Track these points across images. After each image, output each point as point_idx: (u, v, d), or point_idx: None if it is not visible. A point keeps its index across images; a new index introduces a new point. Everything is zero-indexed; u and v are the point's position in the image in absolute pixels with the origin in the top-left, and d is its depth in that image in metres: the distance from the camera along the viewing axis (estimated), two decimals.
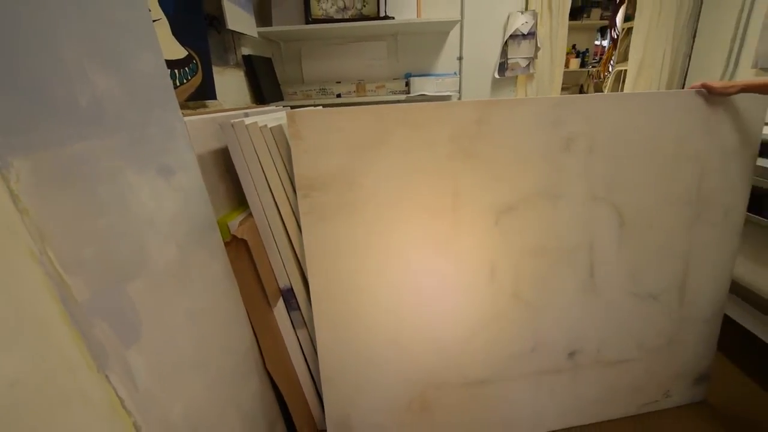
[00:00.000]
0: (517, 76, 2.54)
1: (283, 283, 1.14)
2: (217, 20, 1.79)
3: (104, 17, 0.66)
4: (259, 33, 2.13)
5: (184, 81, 1.41)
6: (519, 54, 2.44)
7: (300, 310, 1.16)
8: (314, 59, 2.51)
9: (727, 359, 1.63)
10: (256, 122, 0.96)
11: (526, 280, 1.12)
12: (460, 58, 2.49)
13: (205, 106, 1.61)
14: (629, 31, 2.62)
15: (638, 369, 1.29)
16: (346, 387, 1.12)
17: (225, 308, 0.95)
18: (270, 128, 0.96)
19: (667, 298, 1.22)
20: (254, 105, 2.09)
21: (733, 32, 2.09)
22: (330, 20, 2.16)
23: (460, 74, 2.51)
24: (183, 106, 1.43)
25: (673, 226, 1.14)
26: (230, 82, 1.93)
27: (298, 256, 1.10)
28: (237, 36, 1.96)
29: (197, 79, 1.49)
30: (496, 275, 1.09)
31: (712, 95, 1.04)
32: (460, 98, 2.56)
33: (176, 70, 1.36)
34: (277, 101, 2.30)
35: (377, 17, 2.14)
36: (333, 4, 2.16)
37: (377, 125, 0.92)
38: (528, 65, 2.48)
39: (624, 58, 2.67)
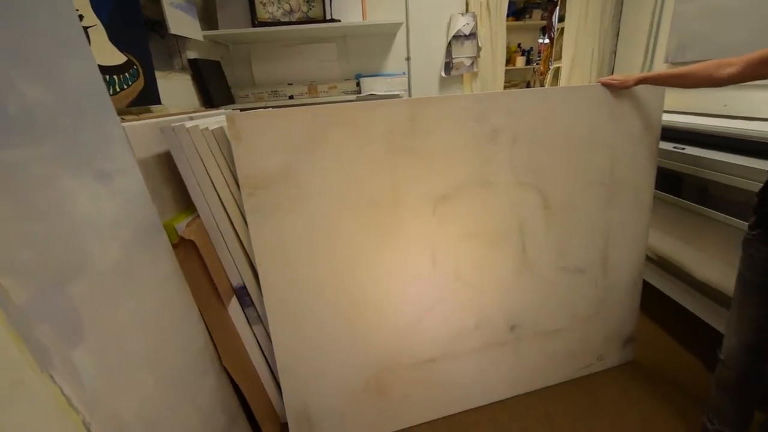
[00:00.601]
0: (462, 75, 2.67)
1: (235, 282, 1.17)
2: (159, 25, 1.77)
3: (28, 27, 0.67)
4: (205, 36, 2.12)
5: (125, 87, 1.39)
6: (463, 54, 2.57)
7: (254, 306, 1.19)
8: (264, 61, 2.52)
9: (652, 321, 1.82)
10: (197, 125, 0.99)
11: (465, 263, 1.21)
12: (407, 59, 2.59)
13: (149, 111, 1.60)
14: (562, 31, 2.82)
15: (573, 336, 1.43)
16: (302, 376, 1.17)
17: (176, 308, 0.97)
18: (211, 131, 0.99)
19: (592, 270, 1.37)
20: (203, 109, 2.08)
21: (648, 31, 2.32)
22: (277, 23, 2.19)
23: (408, 74, 2.61)
24: (125, 112, 1.43)
25: (592, 205, 1.28)
26: (176, 87, 1.91)
27: (249, 254, 1.14)
28: (181, 40, 1.94)
29: (139, 84, 1.47)
30: (437, 260, 1.18)
31: (614, 88, 1.18)
32: (410, 97, 2.66)
33: (115, 76, 1.35)
34: (228, 105, 2.29)
35: (323, 20, 2.19)
36: (279, 8, 2.19)
37: (314, 125, 0.98)
38: (472, 64, 2.61)
39: (559, 56, 2.87)
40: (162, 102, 1.66)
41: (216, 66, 2.31)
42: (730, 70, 0.99)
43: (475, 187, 1.15)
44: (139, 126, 1.03)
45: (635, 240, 1.38)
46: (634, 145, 1.26)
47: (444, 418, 1.37)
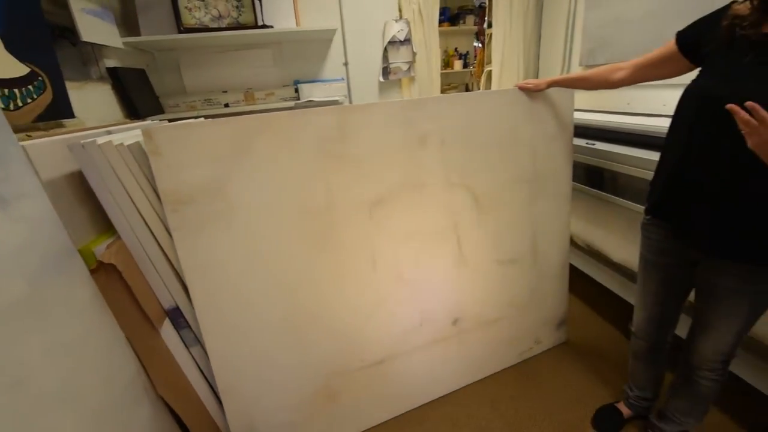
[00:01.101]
0: (400, 79, 2.74)
1: (167, 304, 1.11)
2: (69, 31, 1.63)
3: None
4: (125, 44, 1.99)
5: (29, 101, 1.27)
6: (399, 59, 2.64)
7: (190, 327, 1.14)
8: (195, 68, 2.41)
9: (580, 302, 1.99)
10: (110, 141, 0.93)
11: (406, 263, 1.25)
12: (345, 64, 2.60)
13: (62, 126, 1.47)
14: (492, 36, 2.98)
15: (512, 323, 1.52)
16: (247, 394, 1.14)
17: (98, 338, 0.91)
18: (127, 146, 0.94)
19: (524, 260, 1.46)
20: (128, 121, 1.95)
21: (564, 38, 2.53)
22: (205, 29, 2.10)
23: (347, 79, 2.63)
24: (31, 128, 1.30)
25: (518, 200, 1.37)
26: (94, 98, 1.77)
27: (180, 273, 1.09)
28: (98, 48, 1.80)
29: (46, 97, 1.35)
30: (378, 262, 1.21)
31: (529, 91, 1.27)
32: (350, 102, 2.67)
33: (16, 90, 1.23)
34: (156, 115, 2.16)
35: (255, 26, 2.14)
36: (206, 13, 2.10)
37: (239, 136, 0.96)
38: (409, 69, 2.69)
39: (490, 60, 3.04)
40: (76, 115, 1.53)
41: (140, 74, 2.17)
42: (621, 74, 1.11)
43: (409, 190, 1.19)
44: (45, 144, 0.95)
45: (559, 229, 1.50)
46: (551, 142, 1.37)
47: (396, 417, 1.40)
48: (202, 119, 1.67)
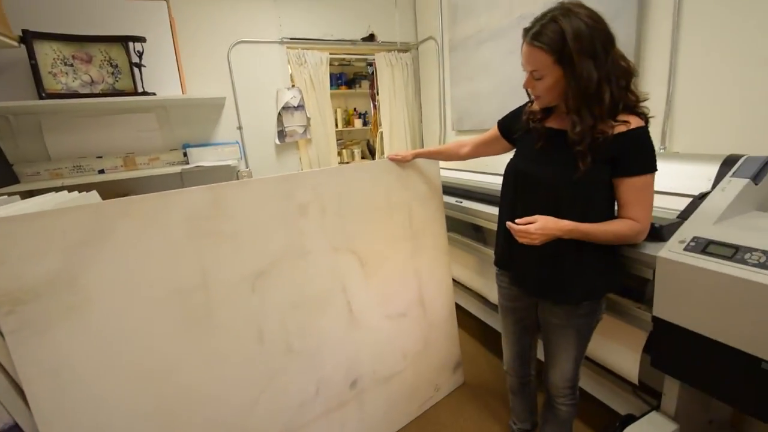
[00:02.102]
0: (297, 141, 2.84)
1: (2, 423, 0.92)
2: None
3: None
4: None
5: None
6: (294, 123, 2.76)
7: None
8: (63, 133, 2.18)
9: (474, 340, 2.16)
10: None
11: (294, 332, 1.24)
12: (239, 128, 2.63)
13: None
14: (380, 102, 3.33)
15: (409, 375, 1.58)
16: None
17: None
18: None
19: (413, 312, 1.57)
20: None
21: (438, 107, 2.94)
22: (74, 95, 1.96)
23: (242, 142, 2.64)
24: None
25: (401, 257, 1.50)
26: None
27: (18, 383, 0.93)
28: None
29: None
30: (264, 336, 1.18)
31: (398, 162, 1.44)
32: (246, 166, 2.67)
33: None
34: (8, 185, 1.89)
35: (134, 93, 2.07)
36: (75, 78, 1.98)
37: (97, 221, 0.91)
38: (305, 131, 2.82)
39: (381, 122, 3.36)
40: None
41: None
42: (465, 150, 1.34)
43: (293, 258, 1.22)
44: None
45: (442, 278, 1.66)
46: (424, 203, 1.55)
47: None
48: (64, 192, 1.52)
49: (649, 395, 1.25)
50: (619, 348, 1.19)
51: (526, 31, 0.89)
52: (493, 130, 1.23)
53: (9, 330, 0.84)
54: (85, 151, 2.23)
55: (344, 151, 4.34)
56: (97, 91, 2.01)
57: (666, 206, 1.18)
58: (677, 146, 1.49)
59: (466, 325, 2.19)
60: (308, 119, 2.79)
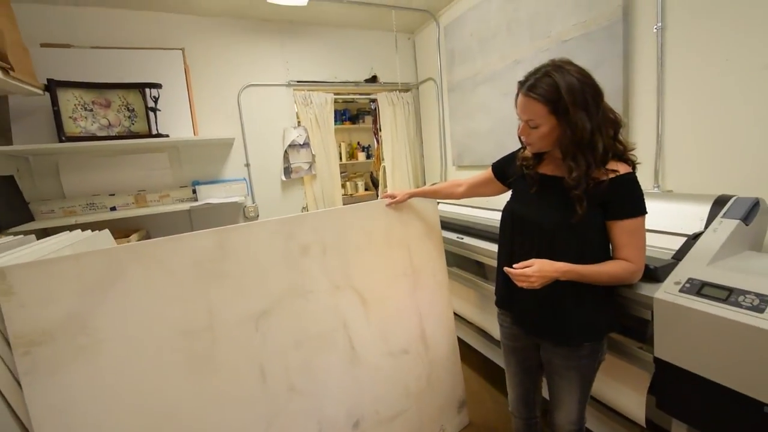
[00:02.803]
0: (302, 177, 2.93)
1: None
2: None
3: None
4: None
5: None
6: (300, 160, 2.86)
7: None
8: (78, 172, 2.28)
9: (478, 376, 2.12)
10: None
11: (296, 371, 1.25)
12: (247, 165, 2.72)
13: None
14: (382, 138, 3.44)
15: (413, 415, 1.55)
16: None
17: None
18: None
19: (415, 348, 1.56)
20: None
21: (439, 143, 3.04)
22: (92, 138, 2.07)
23: (249, 179, 2.73)
24: None
25: (401, 293, 1.51)
26: None
27: (27, 425, 0.94)
28: None
29: None
30: (267, 375, 1.19)
31: (394, 202, 1.48)
32: (253, 201, 2.75)
33: None
34: (23, 224, 1.95)
35: (149, 135, 2.18)
36: (94, 122, 2.09)
37: (109, 266, 0.95)
38: (310, 167, 2.91)
39: (384, 157, 3.47)
40: None
41: (7, 182, 1.99)
42: (460, 190, 1.39)
43: (295, 297, 1.24)
44: None
45: (443, 314, 1.66)
46: (423, 240, 1.58)
47: None
48: (78, 231, 1.57)
49: None
50: (624, 389, 1.18)
51: (522, 83, 0.96)
52: (488, 172, 1.29)
53: (24, 371, 0.87)
54: (98, 188, 2.32)
55: (348, 183, 4.43)
56: (114, 134, 2.12)
57: (661, 246, 1.20)
58: (670, 184, 1.53)
59: (470, 361, 2.15)
60: (313, 156, 2.89)
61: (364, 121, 4.54)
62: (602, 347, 1.06)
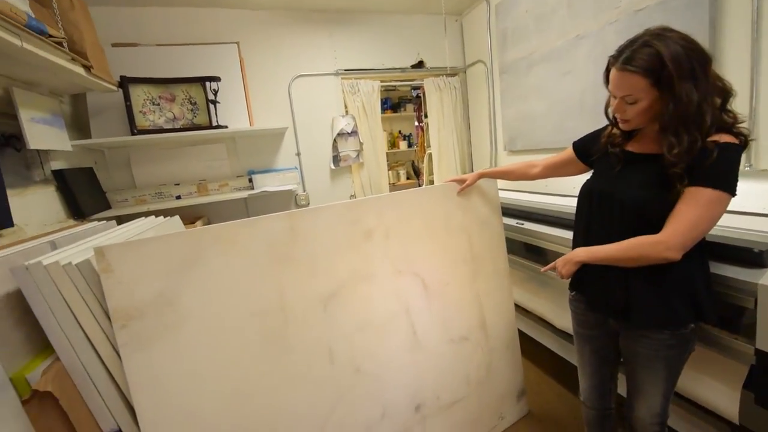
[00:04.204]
0: (350, 166, 2.96)
1: (108, 427, 1.02)
2: (15, 138, 1.65)
3: None
4: (74, 146, 2.01)
5: None
6: (348, 148, 2.88)
7: None
8: (147, 164, 2.45)
9: (538, 368, 2.06)
10: (57, 261, 0.93)
11: (362, 353, 1.27)
12: (298, 154, 2.79)
13: None
14: (428, 125, 3.38)
15: (473, 403, 1.54)
16: None
17: None
18: (75, 265, 0.94)
19: (475, 336, 1.54)
20: (71, 222, 1.90)
21: (489, 129, 2.94)
22: (159, 131, 2.20)
23: (300, 168, 2.79)
24: None
25: (462, 280, 1.49)
26: (36, 201, 1.74)
27: (124, 392, 1.03)
28: (44, 151, 1.81)
29: None
30: (335, 356, 1.22)
31: (463, 186, 1.45)
32: (304, 190, 2.82)
33: None
34: (102, 211, 2.13)
35: (210, 126, 2.28)
36: (161, 116, 2.22)
37: (192, 247, 1.01)
38: (357, 156, 2.93)
39: (430, 144, 3.41)
40: (16, 222, 1.49)
41: (87, 173, 2.17)
42: (536, 171, 1.33)
43: (359, 281, 1.26)
44: None
45: (503, 302, 1.62)
46: (483, 226, 1.54)
47: None
48: (152, 217, 1.69)
49: None
50: (714, 383, 1.09)
51: (616, 57, 0.89)
52: (568, 151, 1.22)
53: (122, 343, 0.94)
54: (164, 179, 2.47)
55: (390, 172, 4.43)
56: (179, 126, 2.24)
57: (759, 228, 1.09)
58: (764, 164, 1.37)
59: (529, 353, 2.09)
60: (361, 144, 2.90)
61: (405, 110, 4.49)
62: (693, 337, 0.98)
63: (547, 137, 2.29)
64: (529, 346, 2.07)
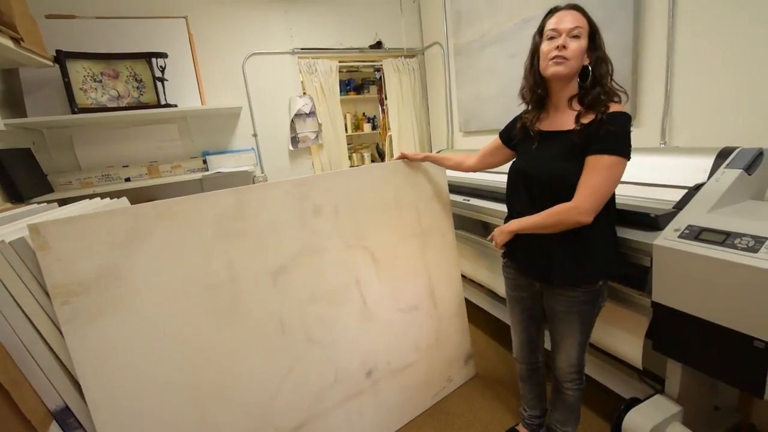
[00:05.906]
0: (309, 147, 2.95)
1: (54, 404, 1.03)
2: None
3: None
4: (8, 125, 1.89)
5: None
6: (306, 129, 2.87)
7: (83, 428, 1.06)
8: (92, 144, 2.34)
9: (484, 334, 2.22)
10: None
11: (313, 323, 1.33)
12: (254, 135, 2.75)
13: None
14: (388, 107, 3.42)
15: (423, 367, 1.65)
16: None
17: None
18: (9, 243, 0.93)
19: (424, 305, 1.64)
20: (8, 205, 1.80)
21: (445, 110, 3.02)
22: (103, 109, 2.10)
23: (257, 149, 2.76)
24: None
25: (411, 253, 1.57)
26: None
27: (70, 369, 1.03)
28: None
29: None
30: (286, 327, 1.27)
31: (408, 161, 1.52)
32: (262, 171, 2.79)
33: None
34: (43, 194, 2.03)
35: (158, 105, 2.20)
36: (104, 93, 2.12)
37: (137, 222, 1.01)
38: (317, 137, 2.92)
39: (391, 126, 3.45)
40: None
41: (25, 154, 2.05)
42: (470, 162, 1.42)
43: (310, 255, 1.31)
44: None
45: (450, 273, 1.73)
46: (431, 202, 1.63)
47: None
48: (97, 199, 1.64)
49: (653, 381, 1.30)
50: (622, 334, 1.24)
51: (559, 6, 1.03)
52: (495, 140, 1.32)
53: (64, 319, 0.95)
54: (112, 160, 2.37)
55: (354, 155, 4.44)
56: (124, 105, 2.15)
57: (663, 197, 1.23)
58: (677, 141, 1.53)
59: (476, 320, 2.24)
60: (320, 125, 2.90)
61: (369, 91, 4.48)
62: (602, 293, 1.12)
63: (497, 118, 2.39)
64: (475, 313, 2.22)
